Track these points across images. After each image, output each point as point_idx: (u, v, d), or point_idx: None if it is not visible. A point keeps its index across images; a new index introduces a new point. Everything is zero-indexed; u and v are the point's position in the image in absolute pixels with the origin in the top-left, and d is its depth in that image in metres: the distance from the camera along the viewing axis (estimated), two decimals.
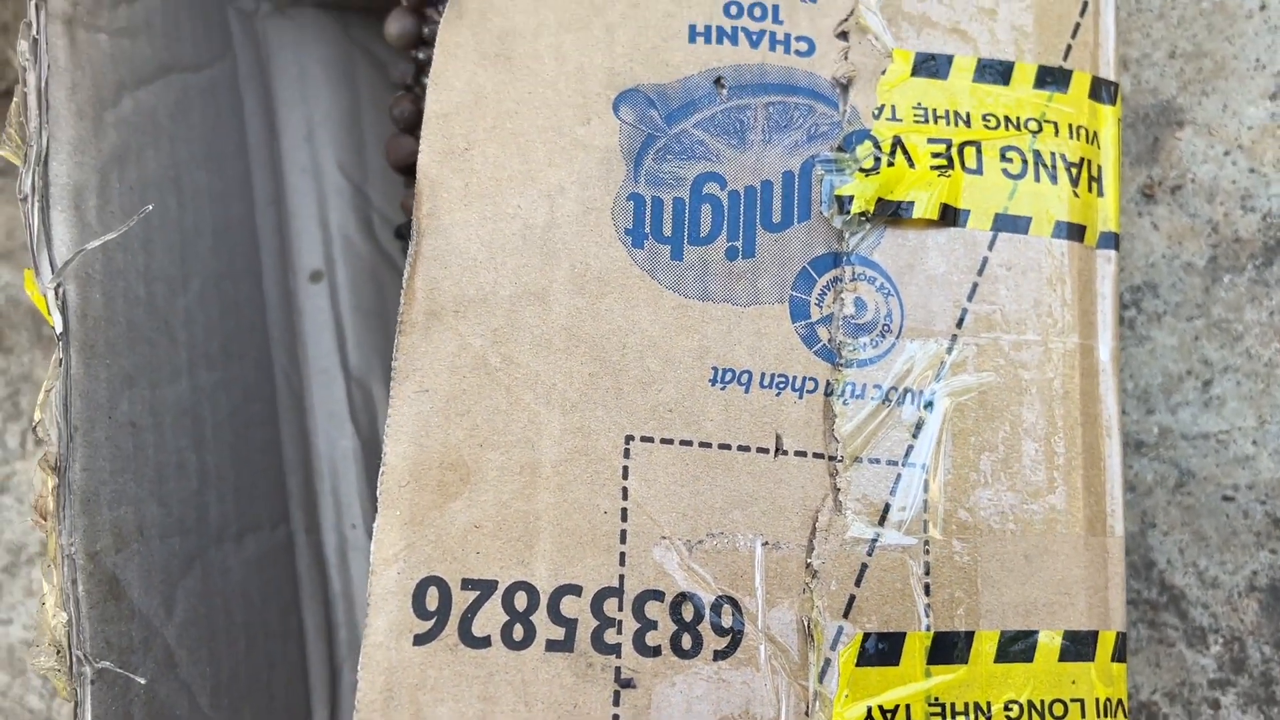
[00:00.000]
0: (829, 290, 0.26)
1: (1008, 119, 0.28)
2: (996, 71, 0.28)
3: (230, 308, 0.36)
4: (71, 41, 0.31)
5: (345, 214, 0.42)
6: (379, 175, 0.43)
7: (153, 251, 0.33)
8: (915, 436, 0.26)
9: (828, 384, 0.26)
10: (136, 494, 0.30)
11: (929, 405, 0.26)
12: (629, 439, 0.24)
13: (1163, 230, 0.39)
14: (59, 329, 0.28)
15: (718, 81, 0.27)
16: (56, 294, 0.28)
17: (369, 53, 0.44)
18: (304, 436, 0.40)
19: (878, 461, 0.25)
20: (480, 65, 0.26)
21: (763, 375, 0.25)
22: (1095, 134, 0.29)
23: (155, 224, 0.33)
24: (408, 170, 0.35)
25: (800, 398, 0.25)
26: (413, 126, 0.34)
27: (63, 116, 0.30)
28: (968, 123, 0.28)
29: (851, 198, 0.26)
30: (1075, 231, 0.28)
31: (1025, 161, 0.28)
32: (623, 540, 0.24)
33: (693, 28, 0.27)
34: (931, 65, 0.28)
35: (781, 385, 0.25)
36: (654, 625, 0.23)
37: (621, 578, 0.24)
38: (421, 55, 0.33)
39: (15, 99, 0.29)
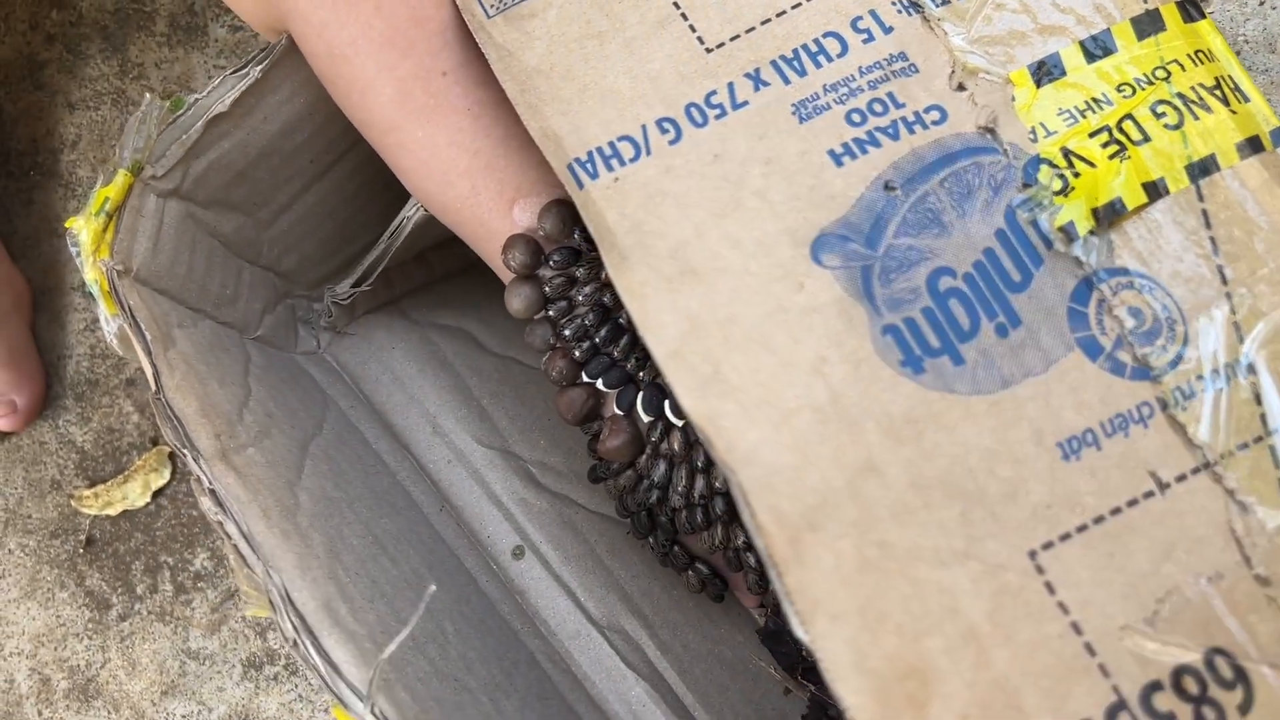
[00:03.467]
0: (1101, 315, 0.25)
1: (1138, 80, 0.28)
2: (1100, 45, 0.28)
3: (481, 628, 0.34)
4: (236, 472, 0.30)
5: (508, 481, 0.40)
6: (513, 431, 0.42)
7: (405, 616, 0.31)
8: (1260, 403, 0.25)
9: (1159, 400, 0.25)
10: None
11: (1251, 369, 0.25)
12: (1032, 554, 0.23)
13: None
14: None
15: (887, 186, 0.26)
16: (374, 713, 0.26)
17: (435, 325, 0.43)
18: (595, 704, 0.37)
19: (1246, 446, 0.24)
20: (673, 290, 0.25)
21: (1103, 426, 0.24)
22: (1209, 51, 0.29)
23: (400, 591, 0.31)
24: (589, 419, 0.34)
25: (1146, 427, 0.24)
26: (573, 378, 0.33)
27: (273, 544, 0.29)
28: (1109, 102, 0.27)
29: (1072, 222, 0.26)
30: (1253, 145, 0.28)
31: (1176, 108, 0.28)
32: (1091, 653, 0.22)
33: (832, 153, 0.27)
34: (1046, 70, 0.28)
35: (1123, 425, 0.24)
36: (1173, 716, 0.22)
37: (1116, 688, 0.22)
38: (553, 312, 0.32)
39: (230, 557, 0.28)
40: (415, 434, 0.41)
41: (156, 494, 0.53)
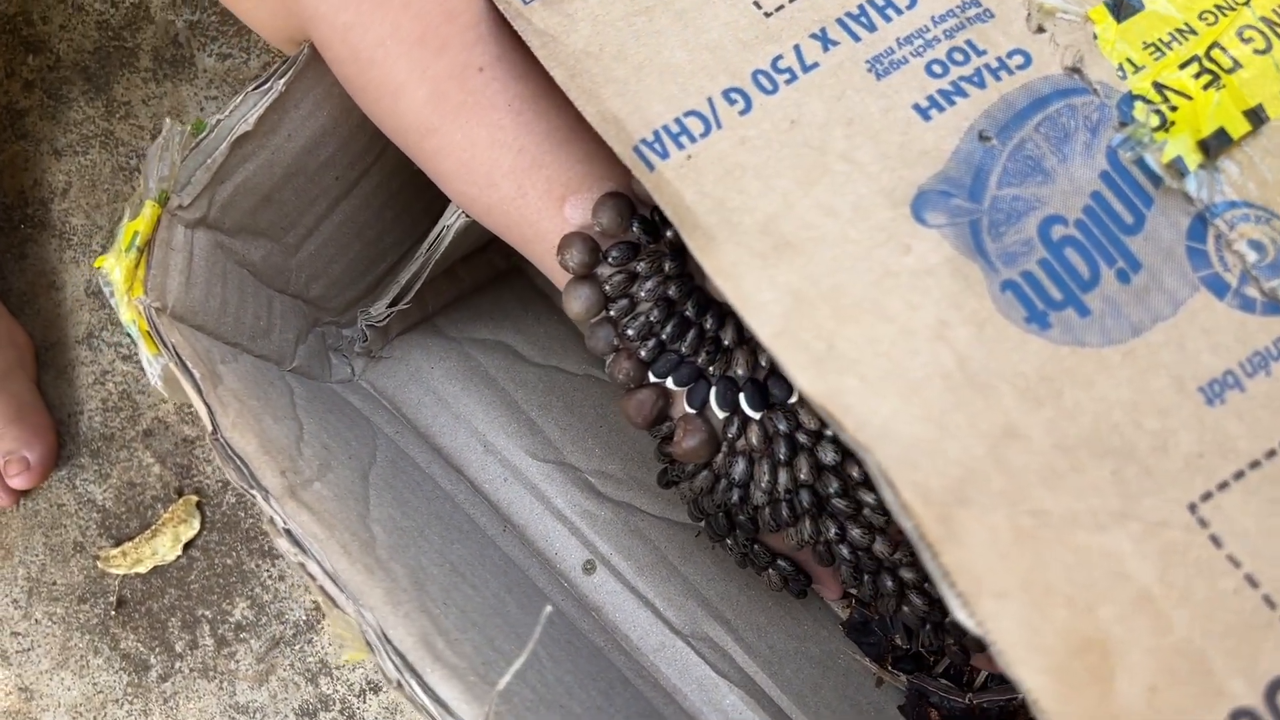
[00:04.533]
0: (1222, 251, 0.24)
1: (1218, 7, 0.27)
2: None
3: (570, 650, 0.33)
4: (308, 509, 0.28)
5: (568, 493, 0.38)
6: (566, 442, 0.40)
7: (500, 644, 0.29)
8: None
9: None
10: None
11: None
12: (1192, 508, 0.22)
13: None
14: None
15: (982, 137, 0.25)
16: None
17: (472, 340, 0.42)
18: (691, 717, 0.36)
19: None
20: (769, 266, 0.24)
21: (1242, 366, 0.23)
22: None
23: (488, 619, 0.29)
24: (659, 421, 0.32)
25: None
26: (640, 379, 0.31)
27: (358, 581, 0.27)
28: (1193, 31, 0.26)
29: (1180, 157, 0.24)
30: None
31: (1262, 33, 0.26)
32: (1272, 606, 0.21)
33: (917, 107, 0.25)
34: (1124, 3, 0.26)
35: (1263, 363, 0.23)
36: None
37: None
38: (614, 311, 0.31)
39: (318, 599, 0.26)
40: (466, 454, 0.39)
41: (187, 546, 0.50)
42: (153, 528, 0.51)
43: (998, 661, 0.20)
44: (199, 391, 0.29)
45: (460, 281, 0.43)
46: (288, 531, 0.27)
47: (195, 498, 0.51)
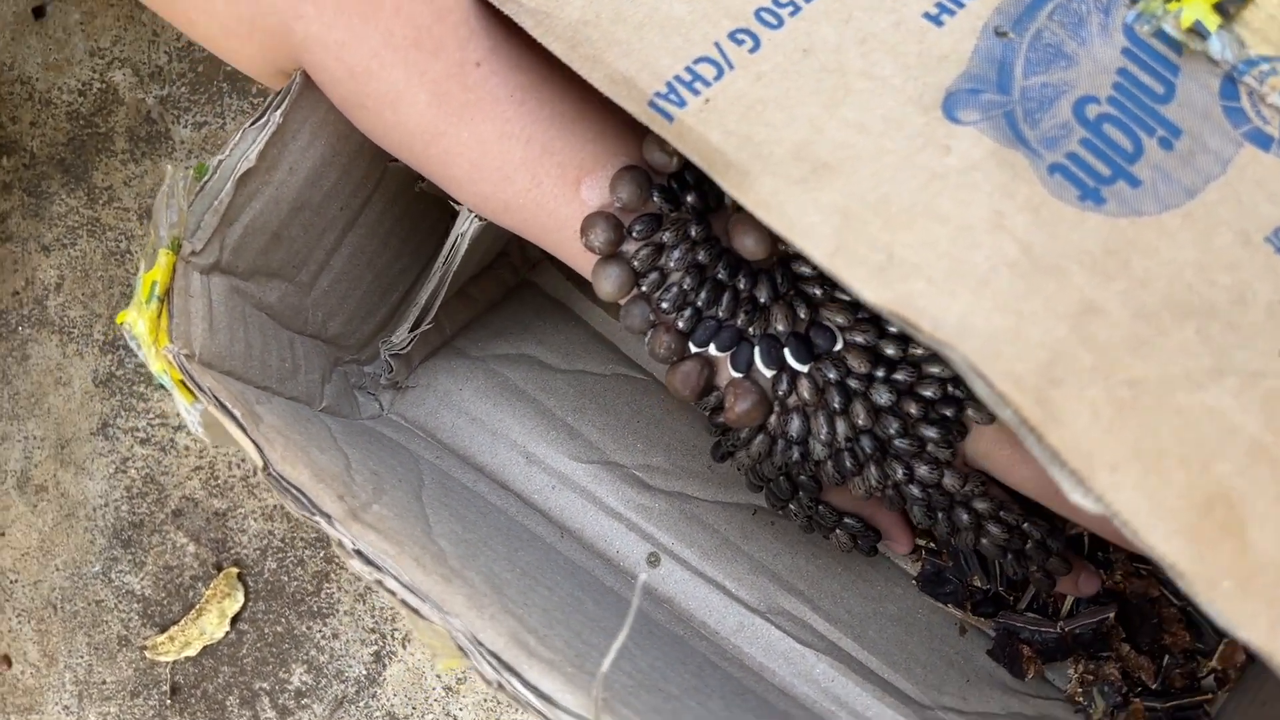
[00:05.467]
0: (1258, 106, 0.24)
1: None
2: None
3: (652, 639, 0.32)
4: (373, 529, 0.27)
5: (619, 491, 0.38)
6: (606, 441, 0.39)
7: (589, 637, 0.28)
8: None
9: None
10: None
11: None
12: None
13: None
14: None
15: (998, 33, 0.25)
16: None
17: (495, 357, 0.41)
18: (783, 692, 0.35)
19: None
20: (810, 190, 0.23)
21: None
22: None
23: (570, 616, 0.28)
24: (706, 392, 0.31)
25: None
26: (682, 352, 0.31)
27: (438, 589, 0.26)
28: None
29: (1199, 21, 0.24)
30: None
31: None
32: None
33: (927, 15, 0.25)
34: None
35: None
36: None
37: None
38: (645, 286, 0.30)
39: (403, 615, 0.25)
40: (510, 469, 0.38)
41: (234, 620, 0.49)
42: (197, 608, 0.49)
43: (1124, 534, 0.20)
44: (244, 430, 0.28)
45: (474, 301, 0.42)
46: (358, 552, 0.26)
47: (235, 569, 0.49)
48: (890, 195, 0.23)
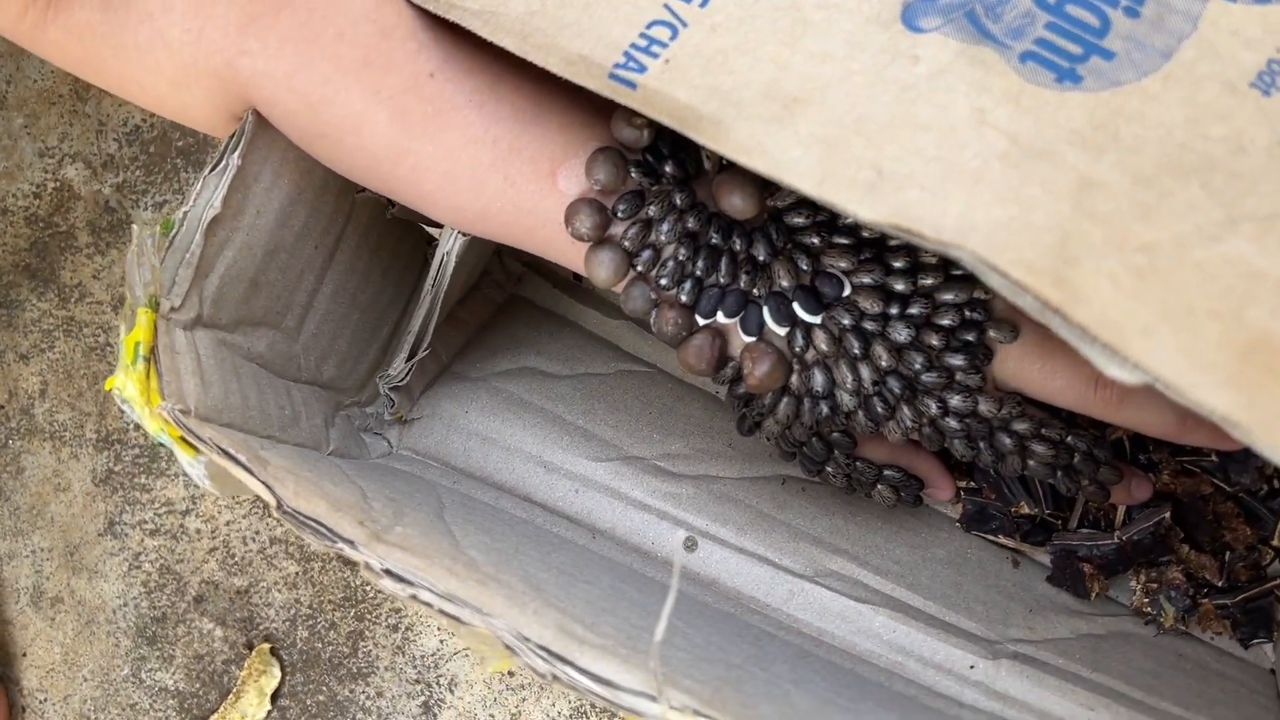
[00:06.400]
0: None
1: None
2: None
3: (703, 617, 0.31)
4: (399, 548, 0.26)
5: (644, 482, 0.37)
6: (622, 437, 0.38)
7: (636, 620, 0.27)
8: None
9: None
10: None
11: None
12: None
13: None
14: None
15: None
16: (674, 706, 0.23)
17: (495, 374, 0.40)
18: (844, 651, 0.34)
19: None
20: (786, 125, 0.23)
21: None
22: None
23: (615, 605, 0.27)
24: (721, 363, 0.31)
25: None
26: (690, 325, 0.30)
27: (475, 594, 0.25)
28: None
29: None
30: None
31: None
32: None
33: None
34: None
35: None
36: None
37: None
38: (640, 266, 0.30)
39: (445, 625, 0.24)
40: (530, 480, 0.38)
41: (274, 698, 0.48)
42: (234, 691, 0.48)
43: (1169, 396, 0.19)
44: (251, 473, 0.27)
45: (465, 325, 0.42)
46: (388, 571, 0.25)
47: (267, 645, 0.48)
48: (867, 114, 0.23)
